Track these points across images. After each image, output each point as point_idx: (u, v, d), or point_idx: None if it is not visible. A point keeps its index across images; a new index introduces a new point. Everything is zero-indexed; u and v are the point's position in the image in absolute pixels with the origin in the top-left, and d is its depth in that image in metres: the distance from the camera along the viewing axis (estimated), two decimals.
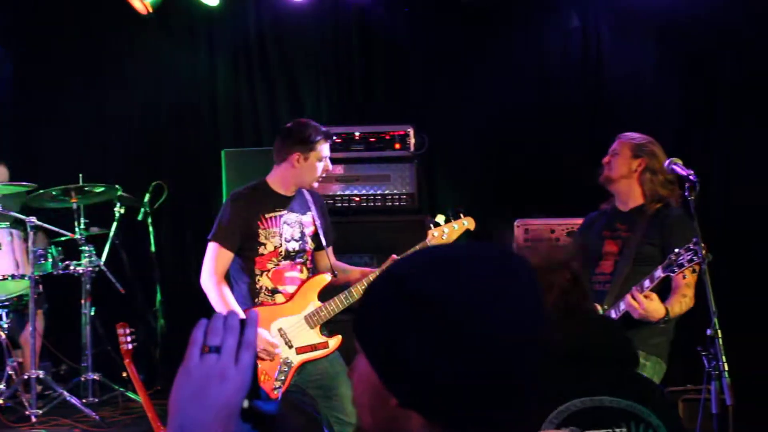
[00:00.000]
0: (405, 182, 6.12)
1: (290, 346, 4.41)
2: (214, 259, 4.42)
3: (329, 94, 7.61)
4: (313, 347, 4.45)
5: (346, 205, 6.09)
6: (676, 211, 4.38)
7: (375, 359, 1.34)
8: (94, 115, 7.85)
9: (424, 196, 6.63)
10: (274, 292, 4.47)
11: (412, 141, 6.17)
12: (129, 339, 4.39)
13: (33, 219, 6.22)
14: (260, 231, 4.44)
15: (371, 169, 6.14)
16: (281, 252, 4.46)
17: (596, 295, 4.37)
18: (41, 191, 6.44)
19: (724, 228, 6.36)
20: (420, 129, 6.29)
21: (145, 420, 4.68)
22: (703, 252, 3.81)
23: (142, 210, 7.09)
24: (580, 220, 4.98)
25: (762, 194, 6.64)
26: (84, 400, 6.26)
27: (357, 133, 6.19)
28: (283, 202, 4.53)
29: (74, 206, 6.52)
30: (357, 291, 4.40)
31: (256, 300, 4.46)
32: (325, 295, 4.51)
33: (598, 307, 4.25)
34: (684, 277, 4.05)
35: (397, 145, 6.18)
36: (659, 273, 4.01)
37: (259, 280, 4.46)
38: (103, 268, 6.62)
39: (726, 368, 3.61)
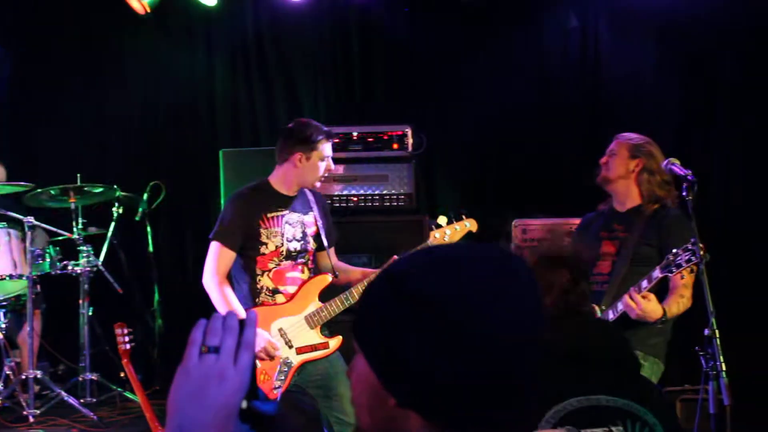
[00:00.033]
0: (403, 182, 6.12)
1: (290, 346, 4.41)
2: (216, 258, 4.43)
3: (327, 94, 7.60)
4: (314, 347, 4.45)
5: (344, 205, 6.09)
6: (674, 211, 4.38)
7: (374, 359, 1.34)
8: (92, 114, 7.86)
9: (422, 196, 6.62)
10: (275, 292, 4.47)
11: (410, 141, 6.17)
12: (127, 339, 4.39)
13: (31, 219, 6.22)
14: (262, 230, 4.44)
15: (369, 169, 6.14)
16: (282, 252, 4.47)
17: (594, 295, 4.35)
18: (39, 190, 6.44)
19: (722, 228, 6.37)
20: (418, 129, 6.29)
21: (142, 420, 4.68)
22: (701, 252, 3.81)
23: (140, 210, 7.08)
24: (578, 220, 4.98)
25: (761, 194, 6.65)
26: (82, 400, 6.25)
27: (355, 133, 6.19)
28: (285, 202, 4.53)
29: (72, 206, 6.52)
30: (357, 292, 4.40)
31: (257, 300, 4.46)
32: (326, 295, 4.51)
33: (596, 308, 4.26)
34: (682, 278, 4.06)
35: (395, 145, 6.18)
36: (657, 273, 4.02)
37: (260, 279, 4.46)
38: (101, 268, 6.61)
39: (723, 368, 3.62)
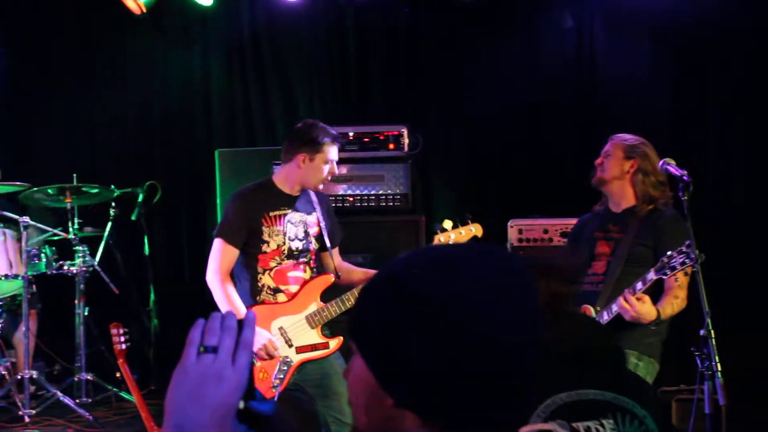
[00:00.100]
0: (399, 182, 6.13)
1: (290, 345, 4.42)
2: (219, 255, 4.44)
3: (323, 94, 7.60)
4: (314, 347, 4.46)
5: (340, 205, 6.09)
6: (669, 212, 4.39)
7: (372, 359, 1.34)
8: (88, 114, 7.85)
9: (418, 197, 6.63)
10: (276, 291, 4.48)
11: (406, 141, 6.18)
12: (123, 339, 4.39)
13: (26, 219, 6.22)
14: (264, 229, 4.44)
15: (365, 169, 6.14)
16: (284, 251, 4.47)
17: (588, 295, 4.39)
18: (35, 189, 6.43)
19: (719, 228, 6.39)
20: (414, 129, 6.30)
21: (138, 420, 4.68)
22: (696, 253, 3.82)
23: (136, 210, 7.08)
24: (574, 221, 4.98)
25: (757, 194, 6.67)
26: (77, 401, 6.25)
27: (351, 133, 6.19)
28: (289, 201, 4.53)
29: (68, 206, 6.52)
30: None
31: (258, 298, 4.47)
32: (328, 295, 4.52)
33: (591, 309, 4.27)
34: (676, 280, 4.07)
35: (391, 146, 6.19)
36: (651, 276, 4.02)
37: (261, 278, 4.47)
38: (97, 268, 6.61)
39: (719, 368, 3.62)
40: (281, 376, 4.36)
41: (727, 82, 6.87)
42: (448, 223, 4.56)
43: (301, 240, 4.52)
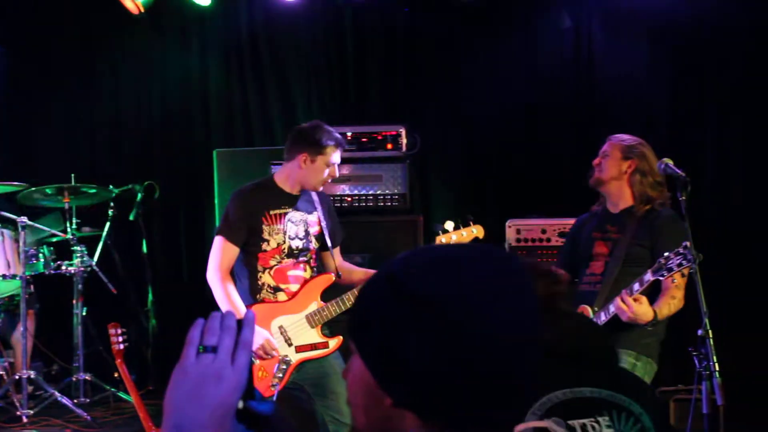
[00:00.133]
0: (397, 182, 6.12)
1: (290, 344, 4.43)
2: (220, 253, 4.45)
3: (321, 93, 7.61)
4: (313, 346, 4.46)
5: (338, 205, 6.08)
6: (666, 212, 4.39)
7: (371, 359, 1.34)
8: (86, 114, 7.85)
9: (416, 197, 6.64)
10: (276, 289, 4.48)
11: (404, 141, 6.17)
12: (120, 339, 4.39)
13: (24, 219, 6.21)
14: (264, 227, 4.45)
15: (363, 169, 6.14)
16: (284, 249, 4.48)
17: (586, 295, 4.39)
18: (33, 189, 6.43)
19: (717, 227, 6.40)
20: (412, 129, 6.30)
21: (136, 420, 4.67)
22: (693, 254, 3.82)
23: (134, 210, 7.07)
24: (572, 221, 4.98)
25: (755, 194, 6.67)
26: (75, 401, 6.25)
27: (349, 133, 6.18)
28: (290, 200, 4.54)
29: (66, 206, 6.51)
30: None
31: (258, 296, 4.48)
32: (328, 295, 4.52)
33: (588, 309, 4.27)
34: (673, 281, 4.07)
35: (389, 146, 6.19)
36: (648, 277, 4.02)
37: (261, 276, 4.48)
38: (95, 268, 6.61)
39: (717, 368, 3.63)
40: (280, 375, 4.36)
41: (725, 82, 6.87)
42: (449, 224, 4.56)
43: (301, 239, 4.53)
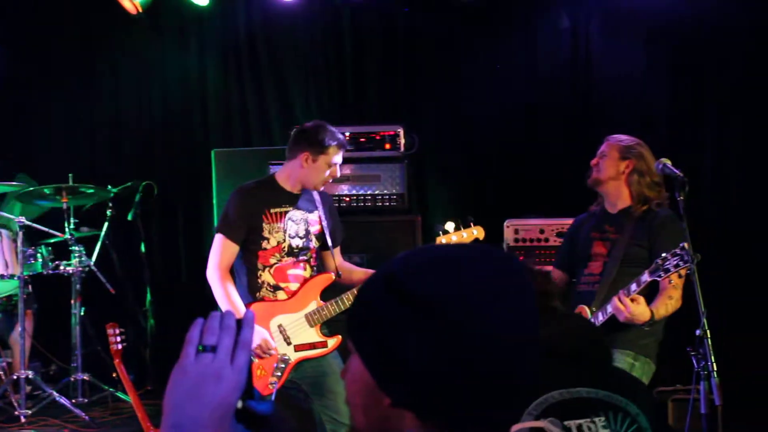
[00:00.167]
0: (395, 182, 6.12)
1: (289, 343, 4.43)
2: (220, 251, 4.45)
3: (319, 93, 7.61)
4: (312, 345, 4.47)
5: (336, 204, 6.08)
6: (664, 212, 4.39)
7: (370, 359, 1.34)
8: (84, 114, 7.85)
9: (414, 197, 6.64)
10: (276, 288, 4.48)
11: (403, 141, 6.17)
12: (119, 339, 4.39)
13: (22, 219, 6.21)
14: (264, 225, 4.45)
15: (361, 169, 6.13)
16: (284, 248, 4.48)
17: (585, 296, 4.40)
18: (31, 189, 6.43)
19: (715, 228, 6.40)
20: (410, 129, 6.30)
21: (134, 420, 4.68)
22: (690, 254, 3.83)
23: (133, 210, 7.07)
24: (570, 221, 4.99)
25: (754, 194, 6.67)
26: (73, 401, 6.24)
27: (347, 133, 6.14)
28: (290, 199, 4.54)
29: (64, 206, 6.51)
30: None
31: (258, 295, 4.48)
32: (328, 294, 4.53)
33: (586, 309, 4.27)
34: (670, 281, 4.08)
35: (388, 146, 6.18)
36: (645, 277, 4.03)
37: (261, 275, 4.48)
38: (93, 268, 6.60)
39: (715, 368, 3.64)
40: (278, 374, 4.37)
41: (725, 82, 6.87)
42: (449, 225, 4.57)
43: (301, 238, 4.53)
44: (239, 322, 1.35)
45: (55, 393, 6.11)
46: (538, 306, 1.32)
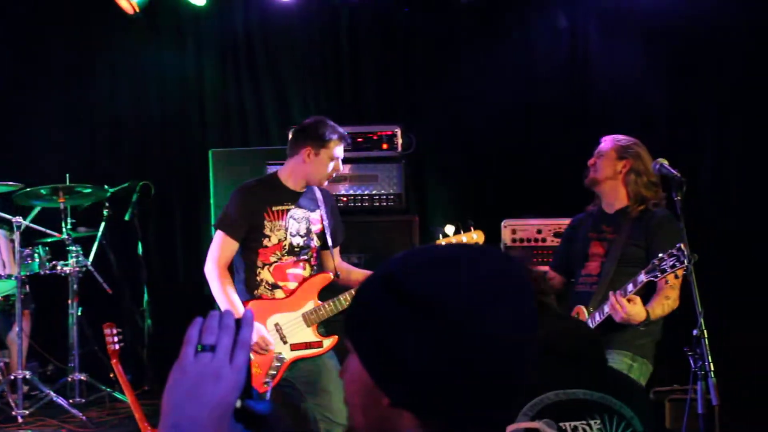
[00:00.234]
0: (392, 182, 6.12)
1: (285, 342, 4.44)
2: (219, 247, 4.46)
3: (317, 93, 7.60)
4: (308, 345, 4.47)
5: None
6: (660, 212, 4.40)
7: (369, 359, 1.34)
8: (81, 114, 7.84)
9: (412, 197, 6.62)
10: (274, 286, 4.49)
11: (400, 141, 6.16)
12: (116, 339, 4.39)
13: (19, 219, 6.21)
14: (266, 223, 4.46)
15: (359, 169, 6.13)
16: (285, 246, 4.48)
17: (582, 296, 4.40)
18: (28, 189, 6.42)
19: (714, 228, 6.40)
20: (407, 129, 6.29)
21: (132, 420, 4.67)
22: (687, 254, 3.83)
23: (130, 210, 7.07)
24: (567, 221, 4.99)
25: (753, 194, 6.67)
26: (71, 401, 6.24)
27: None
28: (292, 197, 4.54)
29: (61, 206, 6.50)
30: None
31: (256, 292, 4.49)
32: (326, 294, 4.53)
33: (584, 309, 4.28)
34: (666, 282, 4.08)
35: (385, 146, 6.18)
36: (642, 278, 4.03)
37: (260, 272, 4.48)
38: (90, 268, 6.60)
39: (712, 368, 3.64)
40: (273, 373, 4.37)
41: (724, 82, 6.86)
42: (450, 229, 4.56)
43: (302, 236, 4.53)
44: (238, 322, 1.35)
45: (52, 393, 6.11)
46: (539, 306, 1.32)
